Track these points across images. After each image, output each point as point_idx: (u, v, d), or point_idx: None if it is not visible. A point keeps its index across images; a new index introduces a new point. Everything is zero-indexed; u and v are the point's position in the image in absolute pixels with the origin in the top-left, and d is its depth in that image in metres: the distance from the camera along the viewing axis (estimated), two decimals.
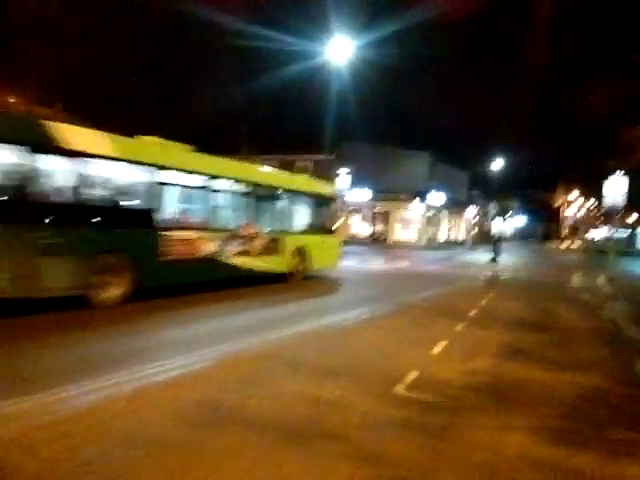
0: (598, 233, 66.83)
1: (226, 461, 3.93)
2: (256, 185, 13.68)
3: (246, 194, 13.34)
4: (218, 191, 12.43)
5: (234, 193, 13.05)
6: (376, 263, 24.60)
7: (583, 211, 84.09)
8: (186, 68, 37.10)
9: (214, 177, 12.23)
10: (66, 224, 8.78)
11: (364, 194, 42.11)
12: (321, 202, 16.74)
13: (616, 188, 26.57)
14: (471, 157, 62.80)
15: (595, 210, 78.77)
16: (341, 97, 31.83)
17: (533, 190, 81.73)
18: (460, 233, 57.97)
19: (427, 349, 7.76)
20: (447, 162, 49.19)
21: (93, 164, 9.24)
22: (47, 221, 8.53)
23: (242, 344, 7.37)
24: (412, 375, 6.33)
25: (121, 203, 10.16)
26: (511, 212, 75.27)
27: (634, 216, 57.97)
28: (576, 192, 76.97)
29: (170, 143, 11.70)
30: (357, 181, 37.38)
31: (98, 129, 9.67)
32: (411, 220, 44.92)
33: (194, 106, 33.40)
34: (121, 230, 9.79)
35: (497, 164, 54.34)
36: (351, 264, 21.99)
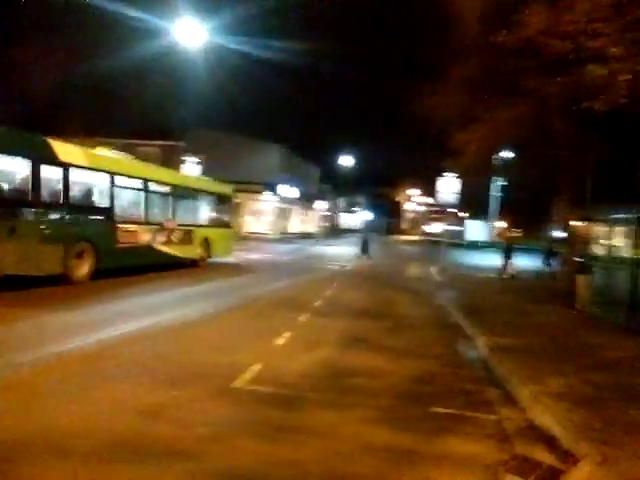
0: (434, 227, 73.41)
1: None
2: (174, 186, 16.49)
3: (167, 194, 16.15)
4: (149, 191, 15.04)
5: (159, 193, 15.78)
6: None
7: (422, 207, 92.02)
8: (18, 34, 32.54)
9: (147, 180, 14.97)
10: (55, 218, 11.29)
11: None
12: (221, 200, 19.83)
13: (449, 187, 29.34)
14: (322, 153, 64.98)
15: (431, 206, 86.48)
16: (193, 82, 30.74)
17: (379, 186, 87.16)
18: (311, 226, 59.69)
19: (270, 341, 7.72)
20: (299, 156, 50.21)
21: (72, 172, 11.81)
22: (42, 215, 10.90)
23: (70, 344, 6.63)
24: (254, 368, 6.23)
25: (87, 201, 12.92)
26: (358, 207, 79.43)
27: (466, 213, 64.65)
28: (415, 189, 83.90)
29: (118, 154, 14.53)
30: (207, 170, 36.19)
31: None
32: (263, 212, 45.03)
33: (22, 81, 29.46)
34: (88, 223, 12.50)
35: (346, 160, 56.88)
36: None
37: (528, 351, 7.90)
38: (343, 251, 31.77)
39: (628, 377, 6.70)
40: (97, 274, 12.42)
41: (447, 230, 34.62)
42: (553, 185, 24.24)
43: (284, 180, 44.25)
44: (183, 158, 31.03)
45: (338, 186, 60.24)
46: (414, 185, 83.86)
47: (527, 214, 72.03)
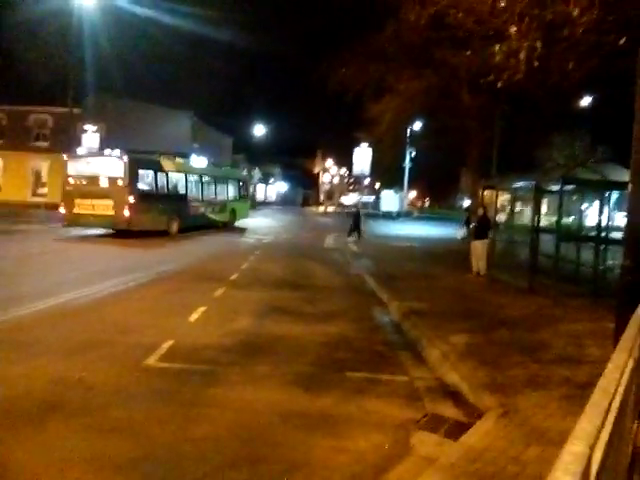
0: (350, 198, 74.39)
1: None
2: (214, 177, 25.95)
3: (211, 182, 25.33)
4: (202, 182, 24.24)
5: (207, 182, 24.86)
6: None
7: (337, 178, 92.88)
8: None
9: (201, 175, 24.32)
10: (163, 201, 20.26)
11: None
12: (241, 182, 29.63)
13: (363, 158, 29.76)
14: (235, 121, 63.25)
15: (347, 177, 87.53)
16: (92, 46, 28.41)
17: (294, 157, 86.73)
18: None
19: (184, 317, 7.48)
20: (211, 124, 48.45)
21: (169, 175, 21.25)
22: (157, 199, 20.02)
23: None
24: (167, 345, 6.01)
25: (175, 191, 21.69)
26: (274, 178, 78.81)
27: (378, 184, 66.04)
28: (331, 160, 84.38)
29: (187, 161, 24.09)
30: (108, 140, 33.57)
31: None
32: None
33: None
34: (176, 204, 21.08)
35: (259, 130, 55.87)
36: (106, 232, 20.30)
37: (438, 314, 8.24)
38: (259, 223, 31.44)
39: (528, 334, 7.19)
40: (180, 231, 20.69)
41: (363, 201, 35.21)
42: (461, 156, 25.31)
43: (195, 150, 42.59)
44: (83, 127, 28.34)
45: (252, 156, 59.14)
46: (330, 156, 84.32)
47: (437, 184, 75.11)
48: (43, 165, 38.52)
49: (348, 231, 23.49)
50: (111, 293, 8.95)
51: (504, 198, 15.01)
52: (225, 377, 5.18)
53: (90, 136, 28.10)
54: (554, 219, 11.87)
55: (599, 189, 11.01)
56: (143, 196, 18.83)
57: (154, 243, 17.30)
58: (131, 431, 3.93)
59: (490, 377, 5.23)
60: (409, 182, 49.53)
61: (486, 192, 15.49)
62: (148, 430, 3.96)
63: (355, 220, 23.79)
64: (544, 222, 12.59)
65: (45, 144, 37.65)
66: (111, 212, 18.10)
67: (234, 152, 59.15)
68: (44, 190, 38.56)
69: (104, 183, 18.51)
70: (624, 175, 8.53)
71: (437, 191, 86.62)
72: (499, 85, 10.41)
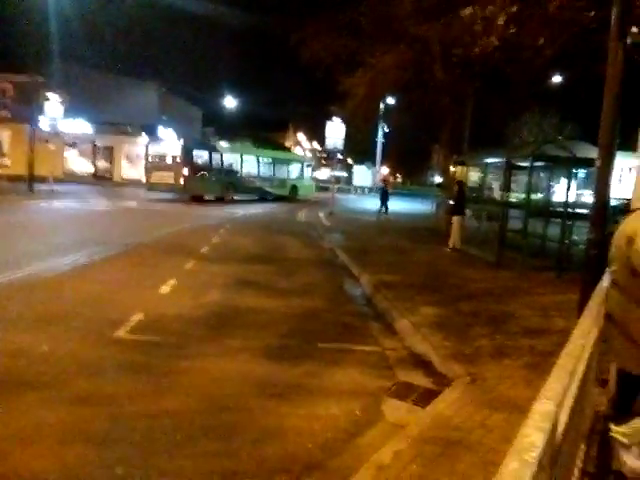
0: (322, 173, 73.97)
1: None
2: (273, 158, 32.48)
3: (269, 163, 31.54)
4: (258, 162, 30.51)
5: (264, 162, 31.05)
6: (100, 203, 22.19)
7: (309, 152, 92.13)
8: None
9: (257, 156, 31.11)
10: (220, 174, 27.68)
11: (82, 126, 37.21)
12: (302, 164, 35.04)
13: (336, 132, 29.53)
14: (205, 92, 61.77)
15: (320, 152, 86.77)
16: (55, 9, 27.06)
17: (265, 131, 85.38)
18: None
19: (154, 289, 7.40)
20: (179, 95, 47.27)
21: (223, 155, 28.75)
22: (225, 174, 28.20)
23: None
24: (136, 317, 5.94)
25: (232, 167, 28.87)
26: None
27: (352, 160, 65.81)
28: (303, 135, 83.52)
29: (246, 143, 37.99)
30: (73, 110, 32.38)
31: None
32: (140, 156, 41.81)
33: None
34: (231, 176, 28.27)
35: (230, 102, 54.77)
36: (71, 205, 19.80)
37: (408, 286, 8.36)
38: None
39: (495, 306, 7.35)
40: (233, 200, 27.32)
41: (335, 176, 35.27)
42: (434, 132, 25.39)
43: (163, 123, 41.44)
44: (46, 95, 27.01)
45: (222, 129, 58.01)
46: (302, 130, 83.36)
47: (409, 160, 75.35)
48: (4, 135, 37.08)
49: (378, 209, 23.98)
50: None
51: (475, 174, 15.19)
52: (197, 349, 5.16)
53: (53, 105, 26.87)
54: (523, 196, 12.09)
55: (568, 165, 11.22)
56: (197, 170, 25.79)
57: (210, 205, 25.56)
58: (102, 403, 3.89)
59: (458, 347, 5.34)
60: (382, 158, 49.58)
61: (457, 168, 15.64)
62: (119, 401, 3.93)
63: (382, 196, 24.28)
64: (513, 198, 12.82)
65: (6, 114, 36.17)
66: (173, 181, 24.96)
67: (204, 124, 58.05)
68: (5, 161, 37.21)
69: (169, 160, 25.67)
70: (592, 152, 8.70)
71: (409, 167, 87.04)
72: (474, 52, 10.37)
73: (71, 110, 31.07)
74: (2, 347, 4.81)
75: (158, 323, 5.87)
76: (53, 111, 26.75)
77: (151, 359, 4.82)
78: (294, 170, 33.76)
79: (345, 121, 28.11)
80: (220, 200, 26.81)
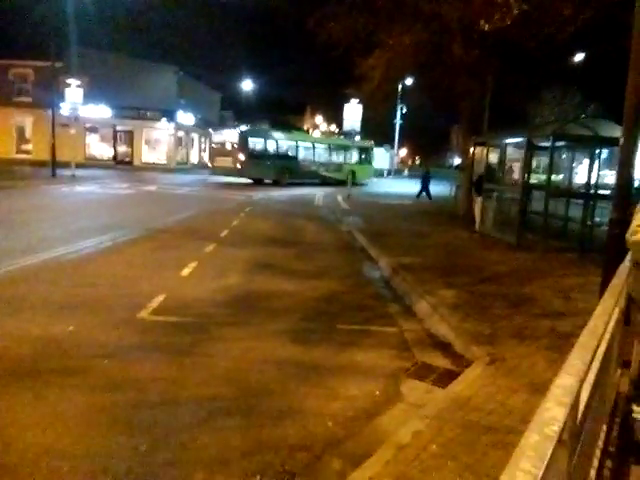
0: None
1: None
2: (328, 144, 34.82)
3: (325, 149, 33.71)
4: (314, 148, 32.60)
5: (320, 148, 33.11)
6: (121, 187, 22.39)
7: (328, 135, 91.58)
8: None
9: (314, 142, 34.03)
10: (272, 159, 29.82)
11: (102, 111, 37.58)
12: (363, 150, 36.48)
13: (353, 114, 29.30)
14: (222, 76, 61.67)
15: (337, 134, 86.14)
16: None
17: (283, 114, 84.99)
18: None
19: (176, 272, 7.50)
20: (197, 79, 47.21)
21: (278, 143, 30.95)
22: (277, 158, 30.11)
23: None
24: (159, 299, 6.05)
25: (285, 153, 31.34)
26: None
27: (371, 141, 65.14)
28: (320, 117, 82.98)
29: (301, 132, 41.03)
30: (92, 95, 32.50)
31: None
32: (159, 141, 42.09)
33: None
34: (288, 161, 30.59)
35: (248, 85, 54.61)
36: (93, 189, 20.04)
37: (427, 269, 8.33)
38: (250, 180, 31.16)
39: (514, 288, 7.30)
40: (288, 183, 28.85)
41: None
42: (453, 113, 25.02)
43: (182, 107, 41.53)
44: (66, 81, 27.16)
45: (241, 112, 57.89)
46: (320, 112, 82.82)
47: (427, 142, 74.47)
48: (27, 121, 37.55)
49: (417, 193, 23.83)
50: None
51: (495, 155, 14.96)
52: (218, 330, 5.24)
53: (73, 91, 27.03)
54: (544, 177, 11.89)
55: (590, 145, 10.98)
56: (253, 156, 28.58)
57: (234, 188, 26.44)
58: (126, 382, 3.99)
59: (477, 328, 5.33)
60: (400, 140, 49.08)
61: (477, 149, 15.42)
62: (143, 381, 4.02)
63: (424, 181, 24.05)
64: (534, 179, 12.62)
65: (28, 99, 36.59)
66: (232, 165, 28.33)
67: (222, 108, 58.00)
68: (28, 147, 37.75)
69: (229, 147, 29.13)
70: (616, 131, 8.52)
71: (427, 150, 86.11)
72: (494, 27, 10.12)
73: (90, 95, 31.14)
74: (29, 329, 4.93)
75: (180, 305, 5.96)
76: (73, 96, 26.94)
77: (174, 339, 4.91)
78: (351, 156, 35.35)
79: (363, 103, 27.84)
80: (276, 184, 28.91)
